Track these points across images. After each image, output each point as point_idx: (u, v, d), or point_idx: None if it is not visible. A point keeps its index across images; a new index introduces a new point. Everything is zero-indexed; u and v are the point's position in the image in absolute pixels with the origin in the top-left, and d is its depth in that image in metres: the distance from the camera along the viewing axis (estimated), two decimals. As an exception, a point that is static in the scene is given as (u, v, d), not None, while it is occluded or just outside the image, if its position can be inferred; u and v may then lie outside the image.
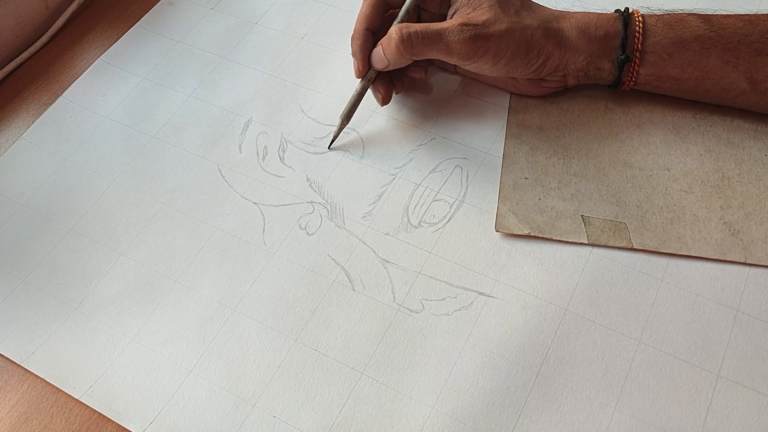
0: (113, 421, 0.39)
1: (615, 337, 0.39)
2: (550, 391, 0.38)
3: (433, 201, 0.45)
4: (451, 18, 0.45)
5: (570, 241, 0.42)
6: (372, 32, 0.47)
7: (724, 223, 0.42)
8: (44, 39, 0.57)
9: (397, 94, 0.49)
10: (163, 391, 0.39)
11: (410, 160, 0.47)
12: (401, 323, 0.41)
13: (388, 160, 0.47)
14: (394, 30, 0.44)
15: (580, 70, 0.45)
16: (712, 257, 0.41)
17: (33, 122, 0.52)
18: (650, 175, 0.44)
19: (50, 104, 0.53)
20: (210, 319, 0.42)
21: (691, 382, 0.37)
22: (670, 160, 0.45)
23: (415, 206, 0.45)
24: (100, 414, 0.39)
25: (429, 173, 0.46)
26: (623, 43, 0.43)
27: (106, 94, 0.53)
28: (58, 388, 0.40)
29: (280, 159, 0.48)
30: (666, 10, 0.45)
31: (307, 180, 0.47)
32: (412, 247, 0.43)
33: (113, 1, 0.60)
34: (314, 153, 0.48)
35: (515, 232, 0.43)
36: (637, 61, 0.44)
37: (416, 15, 0.48)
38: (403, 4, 0.47)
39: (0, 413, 0.40)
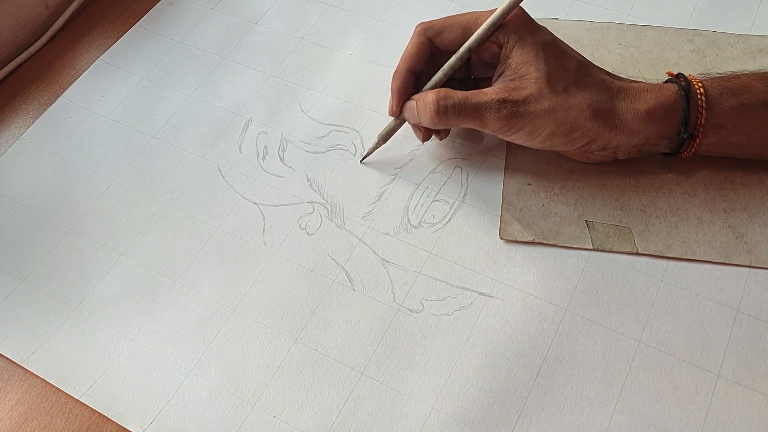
0: (113, 421, 0.39)
1: (615, 337, 0.39)
2: (550, 391, 0.38)
3: (433, 201, 0.45)
4: (495, 82, 0.42)
5: (575, 247, 0.42)
6: (415, 74, 0.44)
7: (729, 226, 0.42)
8: (44, 39, 0.57)
9: (422, 142, 0.47)
10: (163, 391, 0.39)
11: (410, 161, 0.47)
12: (401, 323, 0.41)
13: (388, 160, 0.47)
14: (432, 99, 0.41)
15: (633, 148, 0.42)
16: (717, 261, 0.41)
17: (33, 122, 0.52)
18: (653, 179, 0.44)
19: (50, 104, 0.53)
20: (210, 319, 0.42)
21: (691, 382, 0.37)
22: (673, 163, 0.45)
23: (415, 206, 0.45)
24: (100, 414, 0.39)
25: (429, 173, 0.46)
26: (686, 120, 0.40)
27: (106, 94, 0.53)
28: (58, 388, 0.40)
29: (280, 159, 0.48)
30: (724, 73, 0.43)
31: (307, 180, 0.47)
32: (412, 247, 0.43)
33: (113, 1, 0.60)
34: (314, 153, 0.48)
35: (519, 239, 0.43)
36: (700, 135, 0.41)
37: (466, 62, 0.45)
38: (451, 48, 0.44)
39: (0, 413, 0.40)
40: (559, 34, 0.52)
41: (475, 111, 0.41)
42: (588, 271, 0.41)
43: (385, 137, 0.46)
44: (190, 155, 0.49)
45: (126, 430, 0.38)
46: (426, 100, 0.42)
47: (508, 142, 0.46)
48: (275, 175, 0.48)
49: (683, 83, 0.41)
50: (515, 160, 0.46)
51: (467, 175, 0.46)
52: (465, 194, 0.45)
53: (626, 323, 0.40)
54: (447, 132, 0.46)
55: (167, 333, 0.41)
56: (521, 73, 0.41)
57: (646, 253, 0.41)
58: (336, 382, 0.39)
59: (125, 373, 0.40)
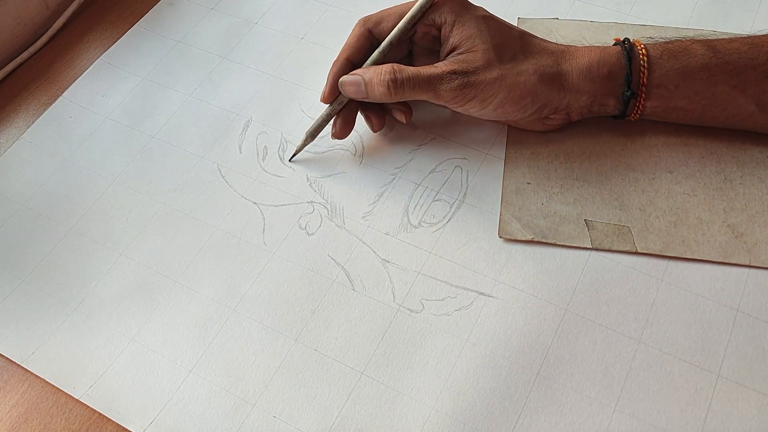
0: (113, 421, 0.39)
1: (615, 337, 0.39)
2: (550, 391, 0.38)
3: (433, 201, 0.45)
4: (444, 58, 0.44)
5: (574, 246, 0.42)
6: (352, 63, 0.45)
7: (728, 225, 0.42)
8: (44, 39, 0.57)
9: (375, 131, 0.48)
10: (163, 391, 0.39)
11: (410, 160, 0.47)
12: (401, 323, 0.41)
13: (388, 159, 0.47)
14: (388, 70, 0.43)
15: (583, 107, 0.44)
16: (716, 260, 0.41)
17: (33, 122, 0.52)
18: (653, 178, 0.44)
19: (50, 104, 0.53)
20: (210, 319, 0.42)
21: (691, 382, 0.37)
22: (672, 162, 0.45)
23: (415, 206, 0.45)
24: (100, 414, 0.39)
25: (429, 173, 0.46)
26: (628, 79, 0.42)
27: (106, 94, 0.53)
28: (58, 388, 0.40)
29: (280, 159, 0.48)
30: (669, 38, 0.44)
31: (307, 180, 0.47)
32: (412, 247, 0.43)
33: (113, 1, 0.60)
34: (314, 153, 0.48)
35: (519, 238, 0.43)
36: (643, 95, 0.43)
37: (407, 46, 0.47)
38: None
39: (0, 413, 0.40)
40: (559, 34, 0.52)
41: (428, 83, 0.42)
42: (588, 271, 0.41)
43: (313, 134, 0.47)
44: (190, 155, 0.49)
45: (126, 430, 0.38)
46: (380, 72, 0.43)
47: (507, 141, 0.46)
48: (275, 175, 0.48)
49: (627, 45, 0.43)
50: (515, 158, 0.46)
51: (467, 175, 0.46)
52: (465, 194, 0.45)
53: (626, 323, 0.40)
54: (383, 121, 0.47)
55: (167, 333, 0.41)
56: (467, 47, 0.43)
57: (645, 252, 0.41)
58: (336, 382, 0.39)
59: (125, 373, 0.40)
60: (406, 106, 0.47)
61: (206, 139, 0.50)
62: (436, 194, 0.46)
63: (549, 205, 0.44)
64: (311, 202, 0.46)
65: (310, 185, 0.47)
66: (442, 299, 0.41)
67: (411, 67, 0.43)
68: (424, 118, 0.49)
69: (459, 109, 0.44)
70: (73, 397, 0.40)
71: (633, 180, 0.44)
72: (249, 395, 0.39)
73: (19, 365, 0.41)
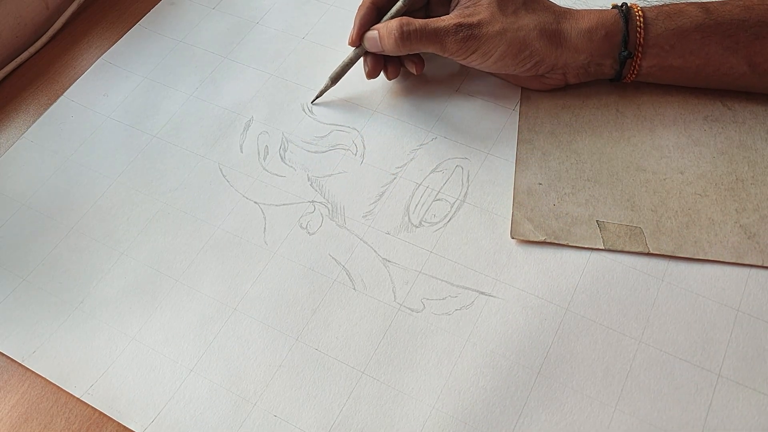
0: (114, 420, 0.39)
1: (616, 336, 0.39)
2: (550, 391, 0.38)
3: (434, 201, 0.45)
4: (452, 12, 0.46)
5: (586, 247, 0.42)
6: (377, 8, 0.48)
7: (740, 226, 0.42)
8: (44, 39, 0.57)
9: (389, 79, 0.50)
10: (164, 391, 0.39)
11: (411, 160, 0.47)
12: (402, 322, 0.41)
13: (389, 159, 0.47)
14: (396, 25, 0.45)
15: (580, 68, 0.46)
16: (729, 261, 0.41)
17: (34, 122, 0.52)
18: (664, 179, 0.44)
19: (51, 104, 0.53)
20: (211, 319, 0.42)
21: (692, 382, 0.37)
22: (683, 163, 0.45)
23: (416, 206, 0.45)
24: (101, 413, 0.39)
25: (430, 173, 0.47)
26: (625, 39, 0.44)
27: (107, 93, 0.53)
28: (58, 387, 0.40)
29: (281, 158, 0.48)
30: (664, 1, 0.46)
31: (308, 179, 0.47)
32: (412, 246, 0.43)
33: (114, 1, 0.60)
34: (315, 152, 0.48)
35: (531, 239, 0.43)
36: (640, 55, 0.45)
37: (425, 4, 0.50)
38: None
39: (0, 412, 0.40)
40: None
41: (435, 35, 0.45)
42: (589, 271, 0.41)
43: (335, 78, 0.50)
44: (191, 155, 0.49)
45: (127, 429, 0.38)
46: (389, 26, 0.46)
47: (518, 141, 0.47)
48: (276, 174, 0.48)
49: (623, 8, 0.45)
50: (526, 159, 0.46)
51: (468, 175, 0.46)
52: (466, 194, 0.45)
53: (627, 323, 0.40)
54: (396, 71, 0.50)
55: (168, 332, 0.41)
56: (474, 2, 0.45)
57: (658, 253, 0.41)
58: (337, 382, 0.39)
59: (126, 372, 0.40)
60: (418, 58, 0.49)
61: (207, 138, 0.50)
62: (437, 194, 0.46)
63: (561, 206, 0.44)
64: (312, 201, 0.46)
65: (311, 185, 0.47)
66: (443, 299, 0.41)
67: (419, 20, 0.45)
68: (425, 117, 0.49)
69: (462, 61, 0.46)
70: (74, 396, 0.40)
71: (644, 181, 0.44)
72: (250, 394, 0.39)
73: (20, 364, 0.41)
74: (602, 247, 0.42)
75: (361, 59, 0.49)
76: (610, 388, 0.38)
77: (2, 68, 0.55)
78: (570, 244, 0.42)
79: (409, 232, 0.44)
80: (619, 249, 0.42)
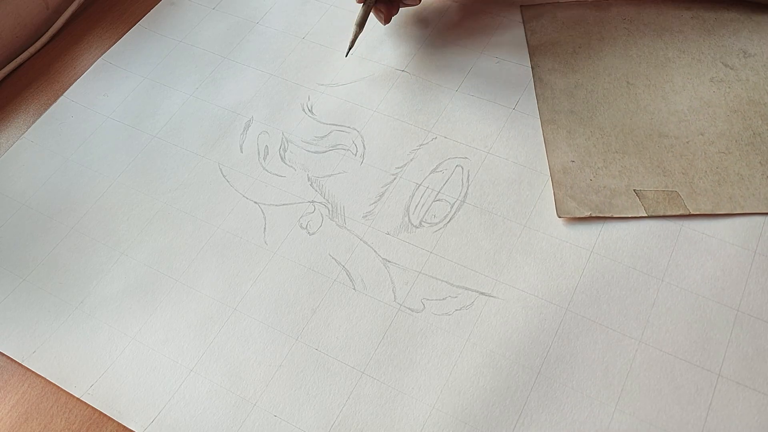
0: (114, 420, 0.39)
1: (616, 336, 0.39)
2: (550, 391, 0.38)
3: (434, 201, 0.45)
4: None
5: (629, 216, 0.43)
6: None
7: (767, 177, 0.43)
8: (44, 39, 0.57)
9: (383, 24, 0.52)
10: (164, 390, 0.39)
11: (411, 160, 0.47)
12: (402, 323, 0.41)
13: (389, 159, 0.47)
14: None
15: None
16: (766, 211, 0.42)
17: (34, 122, 0.52)
18: (687, 142, 0.46)
19: (51, 104, 0.53)
20: (211, 319, 0.42)
21: (692, 382, 0.37)
22: (702, 124, 0.46)
23: (416, 206, 0.45)
24: (101, 413, 0.39)
25: (430, 173, 0.47)
26: None
27: (107, 93, 0.53)
28: (58, 387, 0.40)
29: (281, 158, 0.48)
30: None
31: (308, 179, 0.47)
32: (412, 246, 0.43)
33: (114, 1, 0.60)
34: (315, 152, 0.48)
35: (577, 215, 0.43)
36: None
37: None
38: None
39: (0, 412, 0.40)
40: (563, 16, 0.56)
41: None
42: (589, 271, 0.41)
43: (360, 23, 0.51)
44: (191, 155, 0.49)
45: (127, 429, 0.38)
46: None
47: (541, 122, 0.48)
48: (276, 174, 0.48)
49: None
50: (553, 139, 0.47)
51: (468, 175, 0.46)
52: (466, 194, 0.45)
53: (627, 323, 0.40)
54: (396, 8, 0.52)
55: (168, 332, 0.41)
56: None
57: (698, 213, 0.42)
58: (337, 382, 0.39)
59: (126, 372, 0.40)
60: None
61: (207, 138, 0.50)
62: (437, 194, 0.46)
63: (597, 180, 0.45)
64: (312, 201, 0.46)
65: (311, 185, 0.47)
66: (443, 299, 0.41)
67: None
68: (425, 117, 0.49)
69: None
70: (74, 396, 0.40)
71: (669, 146, 0.46)
72: (250, 394, 0.39)
73: (20, 364, 0.41)
74: (645, 215, 0.43)
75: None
76: (610, 387, 0.38)
77: (2, 68, 0.55)
78: (614, 216, 0.43)
79: (409, 233, 0.44)
80: (660, 214, 0.43)
